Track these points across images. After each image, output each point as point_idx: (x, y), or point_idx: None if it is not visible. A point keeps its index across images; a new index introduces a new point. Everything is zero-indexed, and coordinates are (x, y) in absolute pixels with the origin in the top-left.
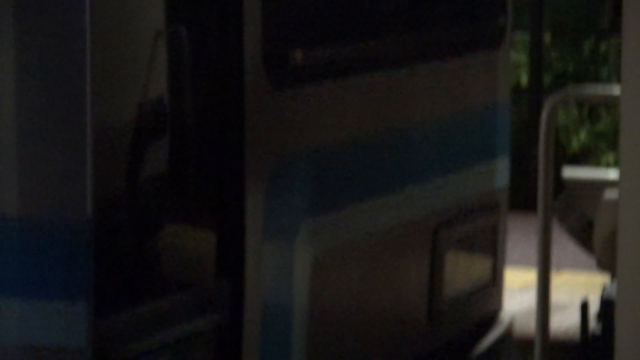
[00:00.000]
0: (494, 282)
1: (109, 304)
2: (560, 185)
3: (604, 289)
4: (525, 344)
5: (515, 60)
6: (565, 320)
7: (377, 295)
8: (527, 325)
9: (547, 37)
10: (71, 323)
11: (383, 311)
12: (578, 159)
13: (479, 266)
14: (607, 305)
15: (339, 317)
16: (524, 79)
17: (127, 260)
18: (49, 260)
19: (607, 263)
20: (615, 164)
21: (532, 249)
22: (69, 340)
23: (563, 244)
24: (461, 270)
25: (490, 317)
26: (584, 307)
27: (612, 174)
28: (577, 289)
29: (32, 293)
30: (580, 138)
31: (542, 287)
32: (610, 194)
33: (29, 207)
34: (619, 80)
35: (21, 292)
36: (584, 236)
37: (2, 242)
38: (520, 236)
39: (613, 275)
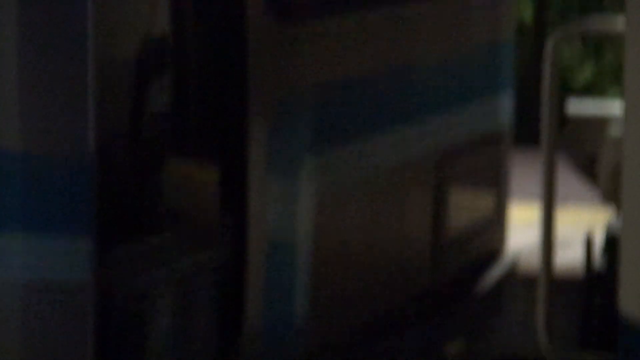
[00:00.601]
0: (498, 218)
1: (112, 239)
2: (564, 120)
3: (608, 224)
4: (528, 280)
5: None
6: (569, 256)
7: (381, 230)
8: (531, 261)
9: None
10: (74, 258)
11: (387, 247)
12: (582, 95)
13: (483, 202)
14: (611, 241)
15: (342, 253)
16: (528, 16)
17: (130, 195)
18: (52, 196)
19: (611, 197)
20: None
21: (536, 184)
22: (72, 275)
23: (567, 180)
24: (465, 206)
25: (494, 253)
26: (588, 242)
27: (617, 108)
28: (581, 225)
29: (36, 229)
30: (584, 74)
31: (546, 223)
32: (615, 128)
33: (31, 143)
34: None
35: (24, 227)
36: (588, 170)
37: (5, 178)
38: (524, 172)
39: (617, 210)
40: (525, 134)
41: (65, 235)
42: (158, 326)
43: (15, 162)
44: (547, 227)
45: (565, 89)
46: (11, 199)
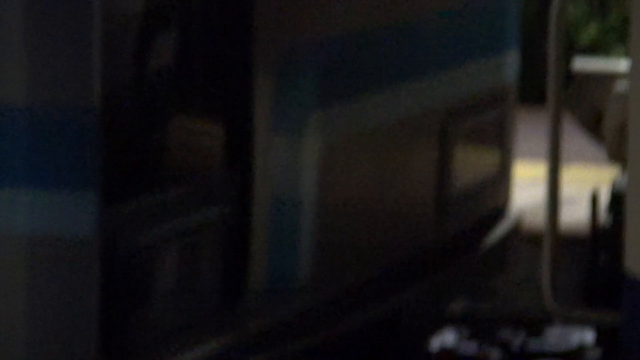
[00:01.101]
0: (503, 175)
1: (117, 194)
2: (569, 78)
3: (614, 181)
4: (533, 237)
5: None
6: (574, 214)
7: (386, 187)
8: (536, 218)
9: None
10: (79, 213)
11: (391, 204)
12: (587, 54)
13: (488, 159)
14: (616, 198)
15: (347, 209)
16: None
17: (135, 150)
18: (57, 150)
19: (617, 154)
20: (625, 58)
21: (541, 142)
22: (76, 230)
23: (572, 139)
24: (470, 163)
25: (499, 210)
26: (594, 198)
27: (623, 66)
28: (586, 183)
29: (40, 183)
30: (590, 32)
31: (552, 180)
32: (621, 86)
33: (36, 96)
34: None
35: (29, 182)
36: (594, 128)
37: (9, 131)
38: (529, 130)
39: (623, 168)
40: (531, 92)
41: (70, 189)
42: (163, 281)
43: (19, 116)
44: (552, 184)
45: (571, 47)
46: (15, 153)
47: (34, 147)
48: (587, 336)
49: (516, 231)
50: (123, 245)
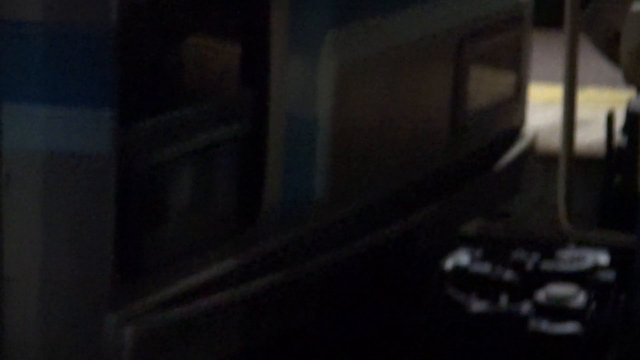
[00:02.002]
0: (518, 97)
1: (133, 111)
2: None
3: (629, 102)
4: (548, 158)
5: None
6: (588, 136)
7: (401, 108)
8: (550, 140)
9: None
10: (96, 130)
11: (406, 124)
12: None
13: (503, 80)
14: (632, 118)
15: (362, 129)
16: None
17: (152, 68)
18: (74, 67)
19: (633, 76)
20: None
21: (557, 65)
22: (93, 146)
23: (587, 61)
24: (485, 84)
25: (514, 131)
26: (610, 118)
27: None
28: (601, 105)
29: (57, 100)
30: None
31: (568, 102)
32: (638, 6)
33: (53, 13)
34: None
35: (46, 99)
36: (610, 49)
37: (26, 47)
38: (545, 54)
39: (639, 89)
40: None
41: (86, 107)
42: (178, 199)
43: (36, 31)
44: (568, 106)
45: None
46: (32, 70)
47: (51, 63)
48: (601, 257)
49: (531, 152)
50: (139, 163)
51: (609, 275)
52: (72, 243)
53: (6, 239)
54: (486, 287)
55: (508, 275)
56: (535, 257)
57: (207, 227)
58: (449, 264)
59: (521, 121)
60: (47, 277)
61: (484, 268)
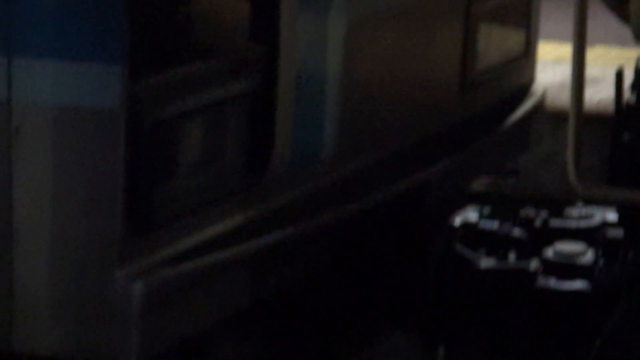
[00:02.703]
0: (527, 54)
1: (143, 66)
2: None
3: (638, 60)
4: (556, 116)
5: None
6: (597, 93)
7: (410, 64)
8: (560, 97)
9: None
10: (105, 84)
11: (416, 80)
12: None
13: (513, 38)
14: None
15: (371, 85)
16: None
17: (162, 23)
18: (84, 22)
19: None
20: None
21: (566, 23)
22: (103, 101)
23: (596, 19)
24: (494, 42)
25: (523, 89)
26: (619, 76)
27: None
28: (610, 63)
29: (67, 54)
30: None
31: (577, 59)
32: None
33: None
34: None
35: (56, 53)
36: (620, 6)
37: (37, 3)
38: (554, 10)
39: None
40: None
41: (96, 61)
42: (188, 154)
43: None
44: (578, 63)
45: None
46: (43, 25)
47: (61, 17)
48: (610, 215)
49: (540, 110)
50: (149, 117)
51: (617, 233)
52: (81, 197)
53: (16, 193)
54: (495, 243)
55: (516, 232)
56: (543, 214)
57: (216, 183)
58: (457, 220)
59: (530, 78)
60: (56, 231)
61: (493, 225)
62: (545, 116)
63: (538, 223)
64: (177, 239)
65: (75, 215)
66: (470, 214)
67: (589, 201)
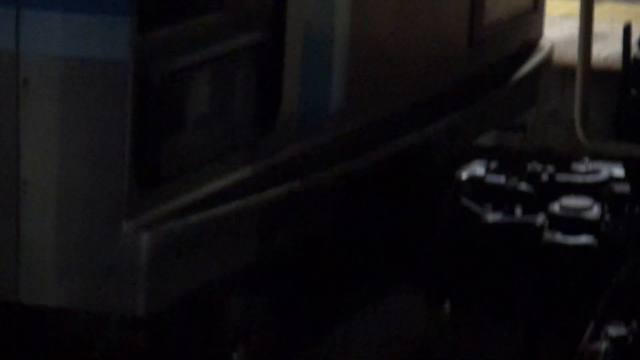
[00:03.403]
0: (535, 9)
1: (151, 18)
2: None
3: None
4: (564, 71)
5: None
6: (605, 49)
7: (418, 19)
8: (567, 52)
9: None
10: (113, 37)
11: (423, 36)
12: None
13: None
14: None
15: (379, 39)
16: None
17: None
18: None
19: None
20: None
21: None
22: (111, 53)
23: None
24: None
25: (531, 44)
26: (626, 32)
27: None
28: (618, 18)
29: (76, 6)
30: None
31: (585, 14)
32: None
33: None
34: None
35: (64, 5)
36: None
37: None
38: None
39: None
40: None
41: (104, 12)
42: (195, 107)
43: None
44: (585, 18)
45: None
46: None
47: None
48: (616, 170)
49: (547, 65)
50: (156, 70)
51: (623, 188)
52: (89, 149)
53: (23, 144)
54: (501, 198)
55: (523, 186)
56: (550, 169)
57: (224, 136)
58: (464, 175)
59: (538, 34)
60: (64, 183)
61: (500, 179)
62: (553, 72)
63: (545, 178)
64: (185, 192)
65: (82, 167)
66: (478, 169)
67: (595, 156)
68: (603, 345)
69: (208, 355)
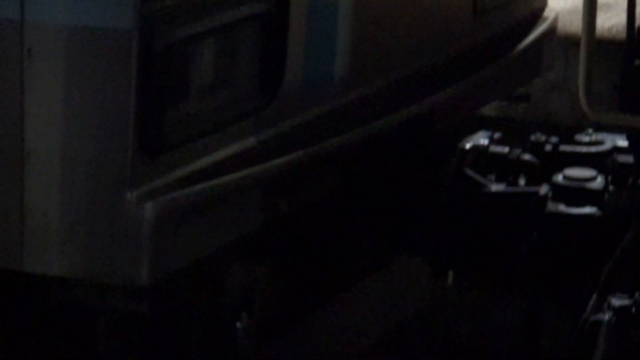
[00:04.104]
0: None
1: None
2: None
3: None
4: (568, 42)
5: None
6: (609, 19)
7: None
8: (571, 23)
9: None
10: (118, 5)
11: (428, 5)
12: None
13: None
14: None
15: (384, 8)
16: None
17: None
18: None
19: None
20: None
21: None
22: (115, 22)
23: None
24: None
25: (535, 14)
26: (631, 2)
27: None
28: None
29: None
30: None
31: None
32: None
33: None
34: None
35: None
36: None
37: None
38: None
39: None
40: None
41: None
42: (200, 76)
43: None
44: None
45: None
46: None
47: None
48: (620, 141)
49: (552, 35)
50: (161, 39)
51: (627, 158)
52: (93, 119)
53: (27, 114)
54: (505, 168)
55: (527, 157)
56: (554, 139)
57: (228, 105)
58: (468, 145)
59: (543, 4)
60: (68, 153)
61: (503, 150)
62: (557, 42)
63: (548, 148)
64: (189, 161)
65: (86, 137)
66: (481, 139)
67: (599, 127)
68: (606, 316)
69: (212, 324)
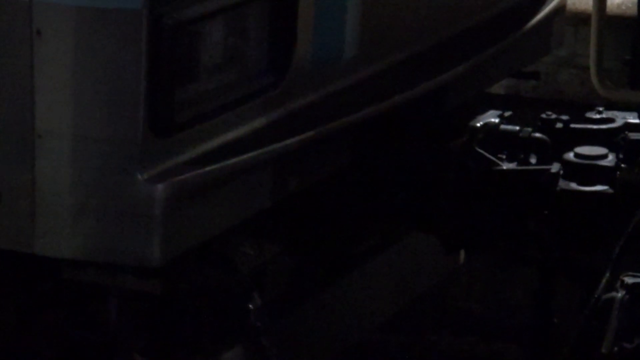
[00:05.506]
0: None
1: None
2: None
3: None
4: (578, 18)
5: None
6: None
7: None
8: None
9: None
10: None
11: None
12: None
13: None
14: None
15: None
16: None
17: None
18: None
19: None
20: None
21: None
22: (124, 2)
23: None
24: None
25: None
26: None
27: None
28: None
29: None
30: None
31: None
32: None
33: None
34: None
35: None
36: None
37: None
38: None
39: None
40: None
41: None
42: (209, 56)
43: None
44: None
45: None
46: None
47: None
48: (631, 118)
49: (562, 12)
50: (171, 18)
51: (638, 135)
52: (103, 99)
53: (37, 95)
54: (515, 146)
55: (537, 134)
56: (564, 117)
57: (238, 84)
58: (478, 123)
59: None
60: (78, 134)
61: (514, 128)
62: (567, 18)
63: (559, 126)
64: (199, 141)
65: (97, 117)
66: (491, 117)
67: (610, 104)
68: (619, 294)
69: (223, 305)
